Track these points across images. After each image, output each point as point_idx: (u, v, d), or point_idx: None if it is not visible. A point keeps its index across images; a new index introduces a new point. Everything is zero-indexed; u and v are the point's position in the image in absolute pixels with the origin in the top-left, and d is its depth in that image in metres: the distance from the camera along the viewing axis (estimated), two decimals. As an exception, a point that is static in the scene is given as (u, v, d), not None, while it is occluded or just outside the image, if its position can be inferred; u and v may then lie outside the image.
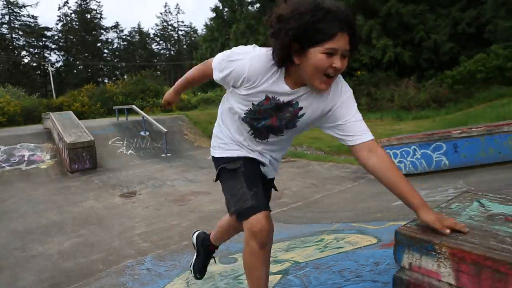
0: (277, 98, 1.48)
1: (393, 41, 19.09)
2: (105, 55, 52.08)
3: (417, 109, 15.07)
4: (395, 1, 18.92)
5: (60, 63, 47.76)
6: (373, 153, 1.46)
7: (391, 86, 17.10)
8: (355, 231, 3.36)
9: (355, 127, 1.49)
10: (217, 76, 1.54)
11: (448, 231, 1.32)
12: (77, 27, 48.17)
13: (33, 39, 44.17)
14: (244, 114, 1.56)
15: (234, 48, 1.50)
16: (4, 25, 41.64)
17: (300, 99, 1.49)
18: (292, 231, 3.87)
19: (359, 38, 1.36)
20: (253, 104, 1.51)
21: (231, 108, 1.63)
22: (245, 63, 1.43)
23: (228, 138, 1.71)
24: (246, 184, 1.57)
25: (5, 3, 40.74)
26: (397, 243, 1.43)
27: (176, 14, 78.10)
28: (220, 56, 1.53)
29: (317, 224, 4.05)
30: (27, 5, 48.73)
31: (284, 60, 1.38)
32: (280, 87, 1.45)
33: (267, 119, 1.55)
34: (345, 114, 1.50)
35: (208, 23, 33.85)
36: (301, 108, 1.51)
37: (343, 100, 1.50)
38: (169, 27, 59.22)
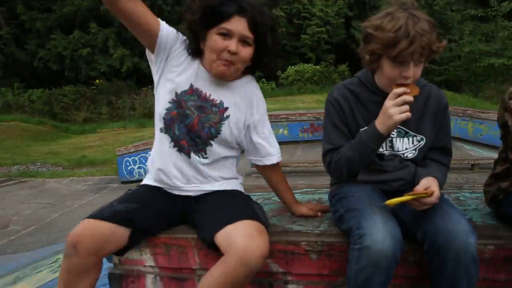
0: (200, 90, 1.41)
1: (130, 51, 19.52)
2: None
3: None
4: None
5: None
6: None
7: (131, 95, 17.49)
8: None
9: (270, 148, 1.54)
10: (165, 28, 1.35)
11: (319, 214, 1.57)
12: None
13: None
14: (166, 109, 1.40)
15: None
16: None
17: (225, 96, 1.43)
18: (22, 260, 3.49)
19: (265, 25, 1.33)
20: (176, 93, 1.39)
21: (156, 108, 1.45)
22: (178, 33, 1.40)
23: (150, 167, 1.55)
24: (117, 200, 1.43)
25: None
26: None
27: None
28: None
29: (54, 245, 3.80)
30: None
31: (195, 48, 1.37)
32: (202, 74, 1.40)
33: (188, 118, 1.40)
34: (263, 129, 1.52)
35: None
36: (226, 109, 1.44)
37: (262, 111, 1.53)
38: None
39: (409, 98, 1.19)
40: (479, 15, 17.00)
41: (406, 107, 1.18)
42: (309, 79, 15.98)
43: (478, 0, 17.69)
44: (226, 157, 1.51)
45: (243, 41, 1.31)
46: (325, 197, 1.80)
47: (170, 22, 1.39)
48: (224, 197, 1.45)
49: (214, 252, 1.44)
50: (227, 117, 1.44)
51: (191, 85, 1.40)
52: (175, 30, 1.39)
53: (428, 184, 1.21)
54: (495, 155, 1.57)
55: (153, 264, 1.54)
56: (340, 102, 1.37)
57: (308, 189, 1.96)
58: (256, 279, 1.46)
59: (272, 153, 1.54)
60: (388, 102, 1.20)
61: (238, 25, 1.29)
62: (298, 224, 1.51)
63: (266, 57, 1.40)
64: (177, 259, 1.51)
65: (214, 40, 1.30)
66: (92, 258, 1.29)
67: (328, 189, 1.89)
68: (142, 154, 6.17)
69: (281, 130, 6.32)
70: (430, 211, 1.19)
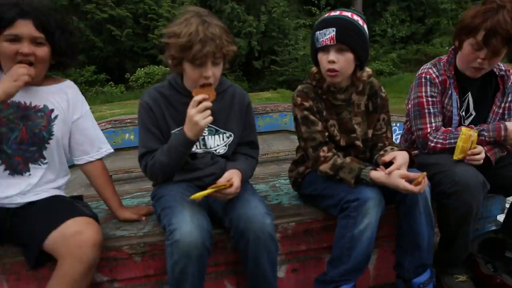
0: (18, 101, 1.38)
1: None
2: None
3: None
4: None
5: None
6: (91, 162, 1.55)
7: None
8: None
9: (91, 146, 1.54)
10: None
11: (143, 218, 1.59)
12: None
13: None
14: None
15: None
16: None
17: (47, 99, 1.43)
18: None
19: (53, 23, 1.34)
20: None
21: None
22: None
23: None
24: None
25: None
26: None
27: None
28: None
29: None
30: None
31: None
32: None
33: (15, 131, 1.36)
34: (86, 128, 1.53)
35: None
36: (52, 110, 1.44)
37: (85, 110, 1.54)
38: None
39: (208, 104, 1.30)
40: (308, 24, 19.58)
41: (208, 112, 1.29)
42: (160, 81, 15.76)
43: (307, 11, 20.35)
44: (61, 162, 1.51)
45: (35, 42, 1.33)
46: (156, 199, 1.83)
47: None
48: (45, 205, 1.39)
49: (26, 272, 1.34)
50: (56, 117, 1.45)
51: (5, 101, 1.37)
52: None
53: (230, 176, 1.34)
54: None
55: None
56: (151, 106, 1.42)
57: (139, 193, 1.96)
58: (79, 294, 1.39)
59: (92, 151, 1.55)
60: (191, 110, 1.29)
61: (23, 28, 1.30)
62: (122, 229, 1.50)
63: (63, 54, 1.42)
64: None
65: (3, 47, 1.31)
66: None
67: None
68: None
69: (127, 135, 6.03)
70: (234, 200, 1.33)
